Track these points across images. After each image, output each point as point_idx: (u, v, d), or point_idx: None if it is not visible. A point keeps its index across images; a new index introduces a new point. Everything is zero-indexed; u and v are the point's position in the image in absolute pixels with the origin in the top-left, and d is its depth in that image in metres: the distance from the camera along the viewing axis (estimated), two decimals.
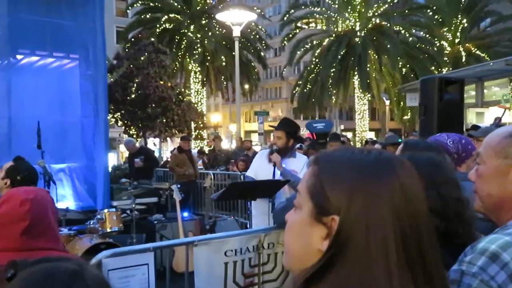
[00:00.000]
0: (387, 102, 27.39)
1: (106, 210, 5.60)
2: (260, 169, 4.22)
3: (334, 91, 25.63)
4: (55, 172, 5.71)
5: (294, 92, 27.84)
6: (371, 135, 31.63)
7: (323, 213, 0.80)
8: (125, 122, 16.80)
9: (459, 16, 25.62)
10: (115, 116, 16.51)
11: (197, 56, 22.79)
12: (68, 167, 6.95)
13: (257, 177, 4.19)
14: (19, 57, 6.84)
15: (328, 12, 27.07)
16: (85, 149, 7.18)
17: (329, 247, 0.79)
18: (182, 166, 9.05)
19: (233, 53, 18.29)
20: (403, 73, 24.01)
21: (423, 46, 24.54)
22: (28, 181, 2.88)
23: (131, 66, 16.46)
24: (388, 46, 23.25)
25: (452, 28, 25.85)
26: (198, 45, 22.87)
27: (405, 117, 27.19)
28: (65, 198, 6.56)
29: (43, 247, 1.67)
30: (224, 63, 22.91)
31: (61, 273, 0.80)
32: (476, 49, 24.88)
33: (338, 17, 26.41)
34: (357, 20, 25.56)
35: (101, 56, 7.21)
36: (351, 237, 0.77)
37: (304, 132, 14.18)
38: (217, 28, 23.03)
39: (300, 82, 26.92)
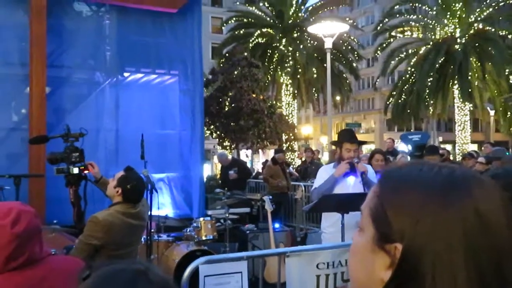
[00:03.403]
0: (492, 112, 25.43)
1: (201, 219, 5.82)
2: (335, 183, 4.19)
3: (432, 102, 24.39)
4: (155, 181, 6.06)
5: (387, 103, 26.94)
6: (473, 147, 29.54)
7: (385, 240, 0.71)
8: (219, 134, 17.42)
9: None
10: (210, 128, 17.20)
11: (288, 69, 23.04)
12: (167, 177, 7.34)
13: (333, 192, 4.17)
14: (126, 74, 7.40)
15: (425, 19, 25.93)
16: (183, 160, 7.54)
17: (391, 279, 0.70)
18: (276, 178, 9.18)
19: (325, 64, 18.20)
20: (510, 80, 22.21)
21: None
22: (137, 190, 3.09)
23: (225, 80, 17.09)
24: (493, 52, 21.66)
25: None
26: (290, 58, 23.10)
27: None
28: (164, 206, 6.91)
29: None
30: (315, 75, 22.88)
31: (127, 271, 0.87)
32: None
33: (436, 24, 25.19)
34: (457, 26, 24.17)
35: (198, 72, 7.57)
36: (416, 270, 0.68)
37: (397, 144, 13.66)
38: (308, 41, 23.11)
39: (395, 93, 25.99)
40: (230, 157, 12.02)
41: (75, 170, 3.51)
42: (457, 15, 24.11)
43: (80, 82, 7.06)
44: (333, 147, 14.43)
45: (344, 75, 25.76)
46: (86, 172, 3.59)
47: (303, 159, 13.34)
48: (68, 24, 6.70)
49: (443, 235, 0.67)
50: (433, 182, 0.71)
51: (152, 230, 4.93)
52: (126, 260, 0.99)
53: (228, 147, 17.73)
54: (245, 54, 19.36)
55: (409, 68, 25.02)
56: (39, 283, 1.67)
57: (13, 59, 6.41)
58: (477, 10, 24.05)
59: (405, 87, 25.01)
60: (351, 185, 4.13)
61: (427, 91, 23.61)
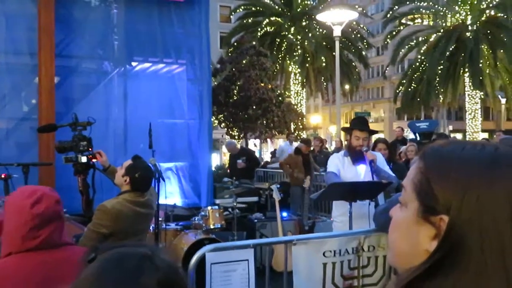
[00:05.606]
0: (503, 101, 25.15)
1: (209, 208, 5.84)
2: (343, 170, 4.17)
3: (442, 90, 24.18)
4: (163, 171, 6.07)
5: (397, 91, 26.76)
6: (484, 136, 29.28)
7: (430, 212, 0.74)
8: (228, 123, 17.43)
9: None
10: (218, 117, 17.22)
11: (297, 57, 22.92)
12: (175, 166, 7.37)
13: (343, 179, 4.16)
14: (134, 64, 7.41)
15: (436, 6, 25.60)
16: (191, 150, 7.56)
17: (437, 249, 0.73)
18: (293, 168, 8.82)
19: (334, 53, 18.09)
20: None
21: None
22: (145, 178, 3.10)
23: (234, 69, 17.06)
24: (505, 39, 21.37)
25: None
26: (298, 47, 22.97)
27: None
28: (172, 195, 6.95)
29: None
30: (324, 64, 22.76)
31: (133, 256, 0.86)
32: None
33: (446, 11, 24.86)
34: (469, 13, 23.84)
35: (206, 61, 7.55)
36: (463, 241, 0.70)
37: (407, 133, 13.57)
38: (317, 29, 22.95)
39: (404, 81, 25.80)
40: (238, 146, 12.03)
41: (83, 159, 3.53)
42: (469, 2, 23.77)
43: (89, 72, 7.08)
44: (342, 136, 14.31)
45: (353, 63, 25.59)
46: (94, 160, 3.62)
47: (312, 148, 13.30)
48: (76, 14, 6.70)
49: (490, 209, 0.70)
50: (478, 158, 0.74)
51: (160, 219, 4.96)
52: (132, 243, 0.99)
53: (236, 137, 17.76)
54: (254, 43, 19.29)
55: (419, 56, 24.79)
56: (53, 268, 1.71)
57: (22, 49, 6.44)
58: None
59: (415, 76, 24.81)
60: (361, 173, 4.11)
61: (437, 79, 23.40)
